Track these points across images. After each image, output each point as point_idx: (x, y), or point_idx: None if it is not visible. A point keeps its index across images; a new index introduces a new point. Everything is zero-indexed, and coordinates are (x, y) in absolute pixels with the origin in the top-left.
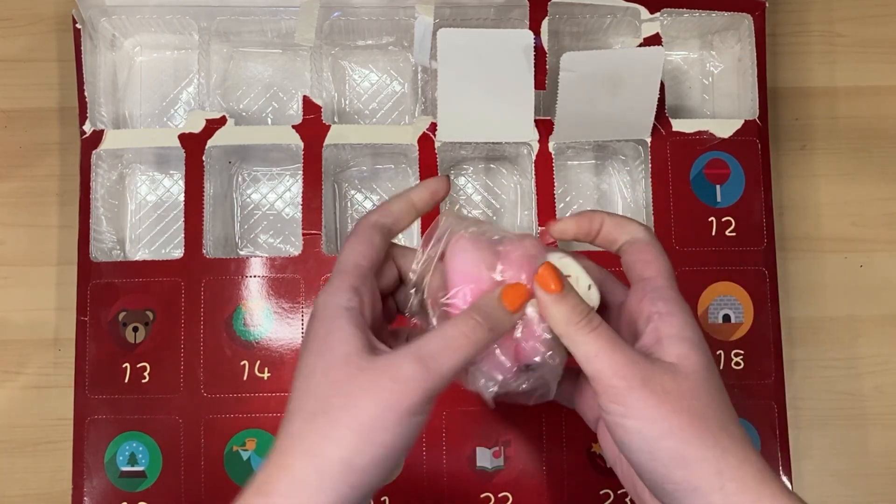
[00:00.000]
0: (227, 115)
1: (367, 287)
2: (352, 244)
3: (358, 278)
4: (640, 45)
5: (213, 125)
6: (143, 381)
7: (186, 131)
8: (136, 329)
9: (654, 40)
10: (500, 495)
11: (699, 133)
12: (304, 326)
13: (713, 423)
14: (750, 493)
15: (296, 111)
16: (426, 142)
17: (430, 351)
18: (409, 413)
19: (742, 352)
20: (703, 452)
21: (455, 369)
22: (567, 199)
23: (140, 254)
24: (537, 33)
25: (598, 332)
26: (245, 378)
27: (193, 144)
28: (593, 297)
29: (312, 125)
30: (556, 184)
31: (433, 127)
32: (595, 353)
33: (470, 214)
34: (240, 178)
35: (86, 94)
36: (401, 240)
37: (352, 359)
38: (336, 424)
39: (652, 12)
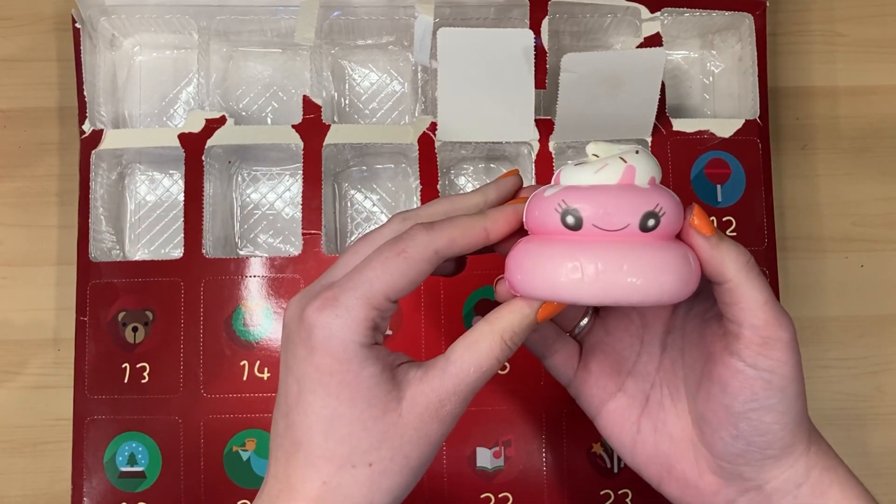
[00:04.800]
0: (226, 115)
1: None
2: (395, 267)
3: (383, 311)
4: (641, 45)
5: (213, 125)
6: (143, 381)
7: (186, 131)
8: (135, 329)
9: (654, 40)
10: (500, 495)
11: (700, 133)
12: None
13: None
14: (826, 457)
15: (296, 111)
16: (426, 142)
17: (457, 381)
18: (444, 436)
19: None
20: (806, 416)
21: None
22: None
23: (139, 254)
24: (537, 33)
25: (763, 278)
26: (245, 378)
27: (193, 144)
28: None
29: (312, 125)
30: None
31: (433, 127)
32: (766, 299)
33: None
34: (239, 178)
35: (85, 93)
36: None
37: (388, 404)
38: (386, 475)
39: (652, 12)
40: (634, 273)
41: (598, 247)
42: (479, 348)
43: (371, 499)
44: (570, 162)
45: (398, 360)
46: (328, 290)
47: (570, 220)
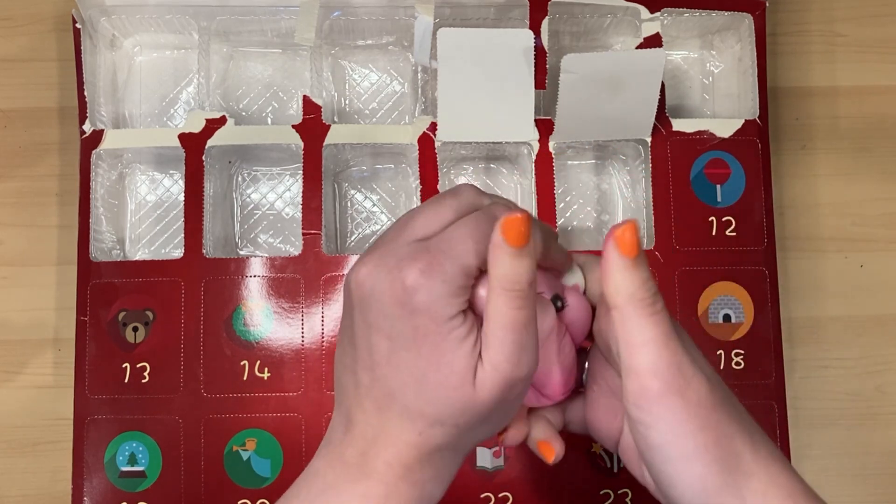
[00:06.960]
0: (227, 115)
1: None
2: (475, 230)
3: (473, 276)
4: (641, 45)
5: (213, 125)
6: (143, 381)
7: (186, 131)
8: (135, 329)
9: (654, 40)
10: (500, 495)
11: (699, 133)
12: (303, 325)
13: (739, 441)
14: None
15: (296, 111)
16: (426, 142)
17: (505, 354)
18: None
19: (742, 352)
20: (724, 478)
21: (534, 345)
22: (567, 199)
23: (140, 254)
24: (537, 33)
25: (658, 317)
26: (245, 378)
27: (193, 144)
28: None
29: (312, 125)
30: (556, 184)
31: (433, 127)
32: (645, 341)
33: None
34: (240, 178)
35: (85, 93)
36: None
37: (469, 379)
38: (458, 448)
39: (652, 12)
40: None
41: None
42: (495, 314)
43: (458, 458)
44: None
45: None
46: (426, 254)
47: None
